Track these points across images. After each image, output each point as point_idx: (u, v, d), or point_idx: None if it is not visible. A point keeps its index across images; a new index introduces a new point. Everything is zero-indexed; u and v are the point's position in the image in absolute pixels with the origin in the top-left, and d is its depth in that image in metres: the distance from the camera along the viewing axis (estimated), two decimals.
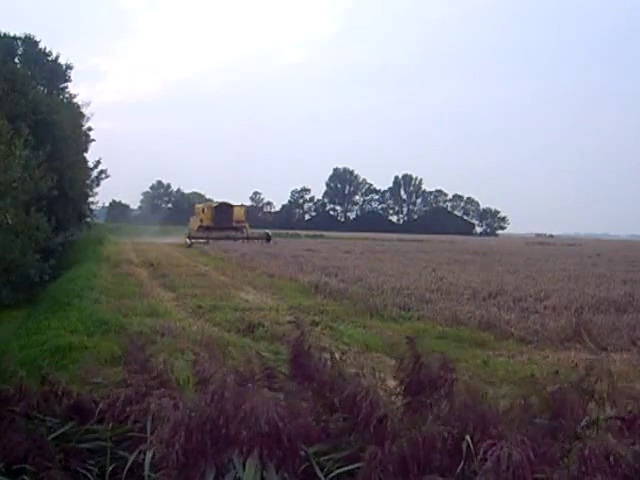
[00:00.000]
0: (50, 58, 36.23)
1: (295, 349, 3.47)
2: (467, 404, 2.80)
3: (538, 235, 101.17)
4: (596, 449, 2.19)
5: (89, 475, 2.87)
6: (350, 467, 2.65)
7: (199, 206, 53.38)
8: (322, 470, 2.69)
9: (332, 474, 2.67)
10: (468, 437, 2.55)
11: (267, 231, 47.93)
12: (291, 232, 71.03)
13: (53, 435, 3.06)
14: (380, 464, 2.45)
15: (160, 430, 2.49)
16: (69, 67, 37.56)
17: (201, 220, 48.09)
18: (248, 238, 44.33)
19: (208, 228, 46.01)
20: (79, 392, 3.47)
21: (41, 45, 35.76)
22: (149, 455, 2.59)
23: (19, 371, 3.54)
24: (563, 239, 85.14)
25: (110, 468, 2.89)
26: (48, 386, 3.43)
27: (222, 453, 2.51)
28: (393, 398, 3.19)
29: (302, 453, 2.64)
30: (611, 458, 2.17)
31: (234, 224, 47.80)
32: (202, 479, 2.45)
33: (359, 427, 2.81)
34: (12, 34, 34.00)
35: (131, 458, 2.75)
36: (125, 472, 2.73)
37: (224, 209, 49.22)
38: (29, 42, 35.02)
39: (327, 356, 3.55)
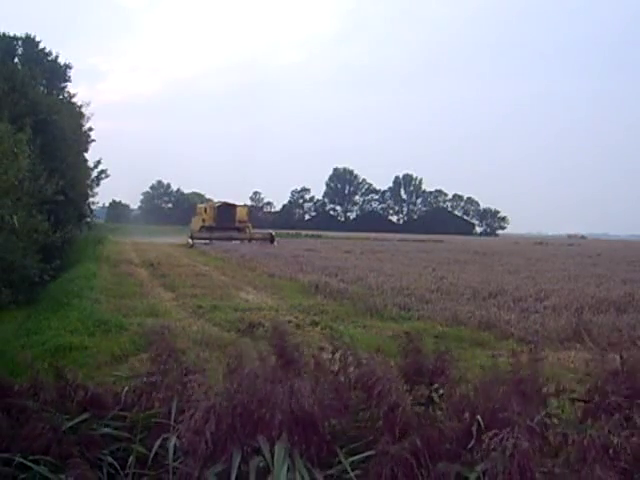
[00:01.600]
0: (50, 58, 36.22)
1: (277, 346, 3.59)
2: (475, 395, 2.84)
3: (570, 236, 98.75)
4: (595, 440, 2.20)
5: (110, 463, 2.89)
6: (367, 454, 2.75)
7: (201, 206, 52.68)
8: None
9: (351, 459, 2.76)
10: (479, 417, 2.62)
11: (270, 231, 47.30)
12: (291, 232, 71.02)
13: (70, 424, 3.07)
14: (392, 458, 2.51)
15: (189, 416, 2.49)
16: (68, 67, 37.55)
17: (203, 220, 47.53)
18: (251, 239, 43.91)
19: (210, 228, 45.50)
20: (95, 385, 3.48)
21: (41, 45, 35.80)
22: (173, 441, 2.62)
23: (34, 365, 3.53)
24: (563, 239, 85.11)
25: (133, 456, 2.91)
26: (63, 380, 3.43)
27: (250, 438, 2.54)
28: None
29: (328, 437, 2.72)
30: (610, 450, 2.18)
31: (237, 224, 47.25)
32: (229, 465, 2.47)
33: (373, 415, 2.97)
34: (12, 34, 34.05)
35: (156, 445, 2.79)
36: (150, 459, 2.77)
37: (227, 209, 48.59)
38: (29, 42, 35.02)
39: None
